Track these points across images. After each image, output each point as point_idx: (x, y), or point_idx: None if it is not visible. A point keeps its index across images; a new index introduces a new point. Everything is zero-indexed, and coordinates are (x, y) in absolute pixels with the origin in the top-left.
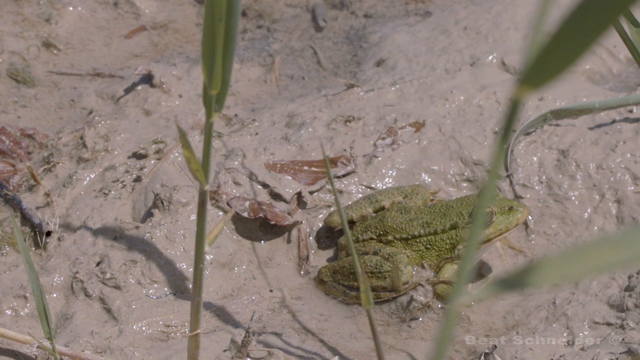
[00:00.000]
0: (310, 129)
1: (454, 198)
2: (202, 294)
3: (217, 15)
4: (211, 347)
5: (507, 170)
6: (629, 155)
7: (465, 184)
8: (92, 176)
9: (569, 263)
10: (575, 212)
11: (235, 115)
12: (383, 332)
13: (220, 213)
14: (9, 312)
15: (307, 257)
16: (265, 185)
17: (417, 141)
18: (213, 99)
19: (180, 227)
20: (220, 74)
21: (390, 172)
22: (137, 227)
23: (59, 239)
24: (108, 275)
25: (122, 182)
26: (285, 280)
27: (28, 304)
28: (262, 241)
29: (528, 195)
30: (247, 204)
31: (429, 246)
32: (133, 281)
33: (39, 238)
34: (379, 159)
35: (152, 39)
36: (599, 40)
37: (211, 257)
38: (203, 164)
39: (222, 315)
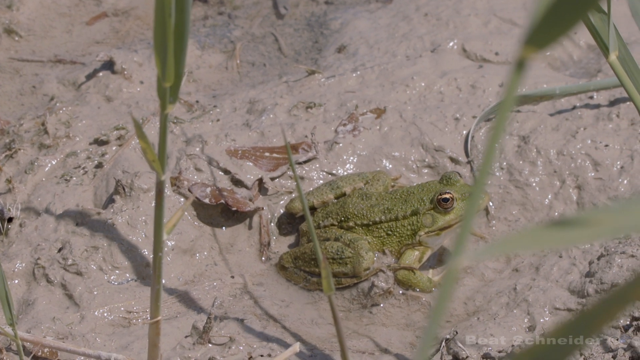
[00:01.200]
0: (271, 115)
1: (415, 184)
2: (161, 282)
3: (167, 10)
4: (173, 333)
5: (468, 156)
6: (589, 142)
7: (426, 170)
8: (54, 162)
9: (569, 228)
10: (536, 198)
11: (197, 101)
12: (344, 318)
13: (182, 199)
14: None
15: (269, 243)
16: (226, 172)
17: (378, 127)
18: (167, 91)
19: (142, 213)
20: (173, 67)
21: (352, 158)
22: (98, 213)
23: (20, 225)
24: (70, 262)
25: (83, 168)
26: (247, 267)
27: None
28: (224, 227)
29: (489, 182)
30: (208, 190)
31: (390, 232)
32: (95, 267)
33: (0, 224)
34: (340, 145)
35: (113, 26)
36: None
37: (172, 243)
38: (159, 155)
39: (184, 301)
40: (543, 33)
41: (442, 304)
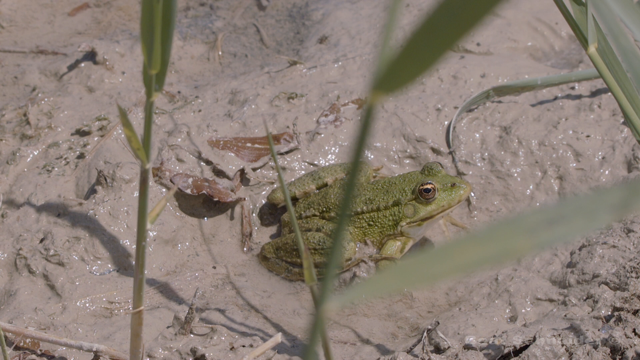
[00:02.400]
0: (253, 106)
1: (396, 175)
2: (144, 272)
3: None
4: (154, 324)
5: (449, 147)
6: (571, 132)
7: (407, 161)
8: (36, 153)
9: (433, 264)
10: (517, 188)
11: (179, 92)
12: None
13: (164, 190)
14: None
15: (250, 234)
16: (208, 162)
17: (359, 118)
18: (153, 79)
19: (124, 204)
20: (159, 54)
21: (333, 148)
22: (80, 204)
23: (2, 216)
24: (52, 252)
25: (65, 159)
26: (229, 257)
27: None
28: (206, 218)
29: (470, 172)
30: (190, 180)
31: (371, 223)
32: (77, 258)
33: None
34: (322, 135)
35: (95, 17)
36: (445, 54)
37: (154, 233)
38: (144, 143)
39: (166, 291)
40: (392, 78)
41: (312, 346)
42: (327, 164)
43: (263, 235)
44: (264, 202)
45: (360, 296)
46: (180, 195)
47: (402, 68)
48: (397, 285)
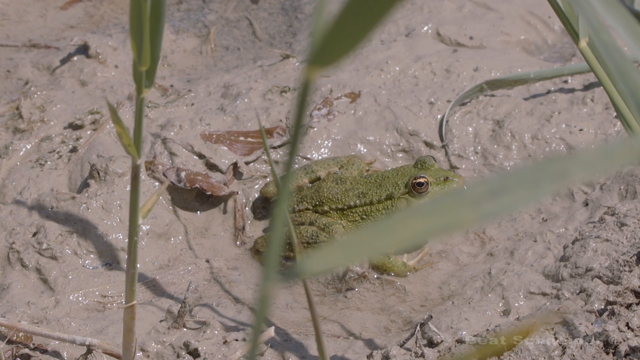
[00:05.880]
0: (246, 100)
1: (389, 168)
2: (136, 267)
3: None
4: (147, 318)
5: (442, 140)
6: (564, 126)
7: (400, 155)
8: (28, 147)
9: (378, 237)
10: None
11: (171, 86)
12: (319, 302)
13: (157, 184)
14: None
15: (243, 228)
16: (201, 156)
17: (352, 112)
18: (143, 75)
19: (117, 198)
20: (148, 50)
21: (326, 142)
22: (73, 198)
23: None
24: (44, 246)
25: (58, 152)
26: (222, 251)
27: None
28: (198, 212)
29: (464, 166)
30: (183, 174)
31: (364, 216)
32: (69, 252)
33: None
34: (315, 129)
35: (87, 10)
36: (379, 25)
37: (147, 227)
38: (135, 139)
39: (159, 285)
40: (327, 52)
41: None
42: (319, 157)
43: (256, 229)
44: (256, 195)
45: (306, 273)
46: (173, 189)
47: (335, 43)
48: (342, 260)
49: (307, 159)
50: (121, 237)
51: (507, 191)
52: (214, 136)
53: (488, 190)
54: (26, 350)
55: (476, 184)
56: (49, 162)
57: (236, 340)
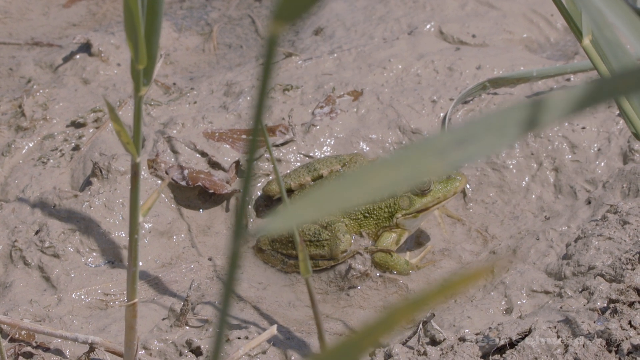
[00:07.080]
0: (248, 98)
1: None
2: (137, 265)
3: None
4: (150, 316)
5: None
6: (566, 124)
7: None
8: (31, 145)
9: (347, 189)
10: (513, 180)
11: (174, 84)
12: (322, 300)
13: (159, 181)
14: None
15: (246, 226)
16: (203, 154)
17: (355, 110)
18: (141, 73)
19: (119, 196)
20: (145, 49)
21: (329, 140)
22: (75, 196)
23: None
24: (47, 244)
25: (60, 150)
26: (224, 249)
27: None
28: (201, 210)
29: (466, 164)
30: (185, 172)
31: (367, 215)
32: (72, 250)
33: None
34: (317, 127)
35: (90, 8)
36: None
37: (150, 225)
38: (134, 137)
39: (161, 283)
40: (289, 7)
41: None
42: (322, 155)
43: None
44: (259, 194)
45: (278, 227)
46: (175, 187)
47: None
48: (313, 213)
49: (309, 157)
50: (123, 235)
51: (474, 139)
52: (217, 134)
53: (454, 139)
54: (28, 348)
55: (442, 134)
56: (51, 160)
57: (238, 338)
